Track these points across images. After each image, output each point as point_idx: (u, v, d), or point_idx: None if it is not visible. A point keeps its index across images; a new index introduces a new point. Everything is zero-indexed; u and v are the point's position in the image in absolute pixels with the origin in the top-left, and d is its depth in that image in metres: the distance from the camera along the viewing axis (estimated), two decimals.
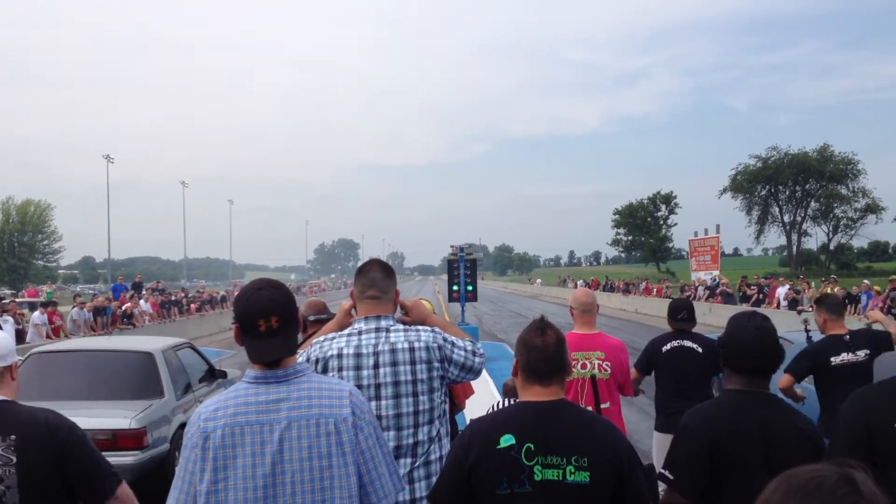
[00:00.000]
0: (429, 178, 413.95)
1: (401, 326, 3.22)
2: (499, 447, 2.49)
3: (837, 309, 5.76)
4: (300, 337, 5.80)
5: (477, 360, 3.25)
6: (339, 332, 3.23)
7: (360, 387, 3.00)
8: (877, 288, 23.22)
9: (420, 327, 3.25)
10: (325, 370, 3.09)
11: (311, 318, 5.66)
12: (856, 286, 24.76)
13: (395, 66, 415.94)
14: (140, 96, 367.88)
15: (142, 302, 26.59)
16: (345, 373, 3.08)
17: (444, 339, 3.20)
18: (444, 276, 21.33)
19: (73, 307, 22.00)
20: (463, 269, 20.93)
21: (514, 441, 2.50)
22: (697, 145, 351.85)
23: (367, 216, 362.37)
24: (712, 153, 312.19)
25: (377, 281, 3.25)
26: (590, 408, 4.55)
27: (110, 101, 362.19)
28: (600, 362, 4.94)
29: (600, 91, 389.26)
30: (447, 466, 2.66)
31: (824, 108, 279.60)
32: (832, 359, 5.43)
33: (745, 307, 29.19)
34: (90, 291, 47.07)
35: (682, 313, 6.01)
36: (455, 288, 21.07)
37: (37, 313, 20.75)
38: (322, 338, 3.23)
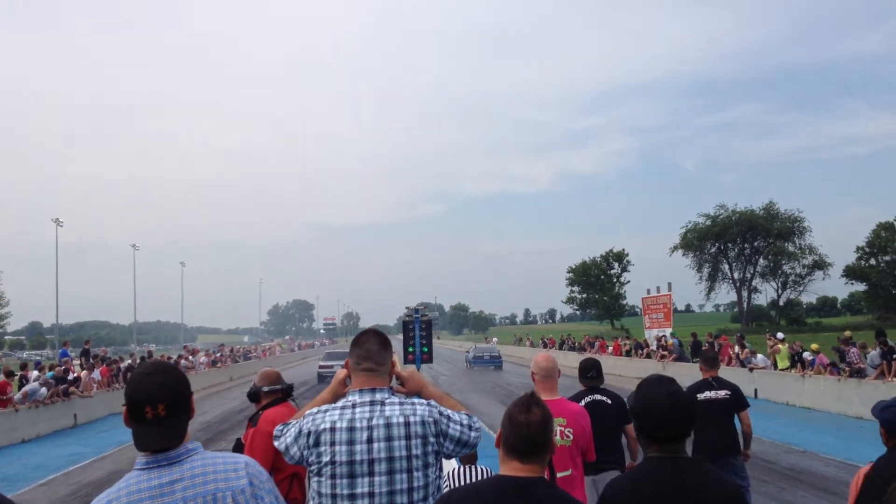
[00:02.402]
0: (383, 238, 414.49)
1: (396, 399, 3.13)
2: None
3: (710, 362, 7.95)
4: (253, 408, 5.76)
5: (473, 434, 3.17)
6: (333, 405, 3.13)
7: (352, 462, 2.94)
8: (814, 346, 23.78)
9: (416, 400, 3.17)
10: (316, 444, 2.99)
11: (265, 388, 5.59)
12: (793, 345, 25.29)
13: (348, 126, 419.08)
14: (89, 160, 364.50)
15: (96, 371, 26.39)
16: (337, 447, 2.96)
17: (440, 413, 3.12)
18: (400, 336, 21.29)
19: (34, 380, 21.85)
20: (418, 331, 20.89)
21: None
22: (648, 203, 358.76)
23: (321, 277, 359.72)
24: (662, 211, 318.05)
25: (373, 353, 3.18)
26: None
27: (59, 164, 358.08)
28: (562, 429, 4.94)
29: (551, 150, 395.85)
30: None
31: (768, 167, 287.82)
32: (697, 396, 7.46)
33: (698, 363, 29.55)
34: (36, 358, 45.89)
35: (591, 372, 6.69)
36: (410, 350, 21.00)
37: None
38: (315, 409, 3.12)
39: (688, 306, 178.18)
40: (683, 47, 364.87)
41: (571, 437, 4.95)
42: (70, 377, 24.03)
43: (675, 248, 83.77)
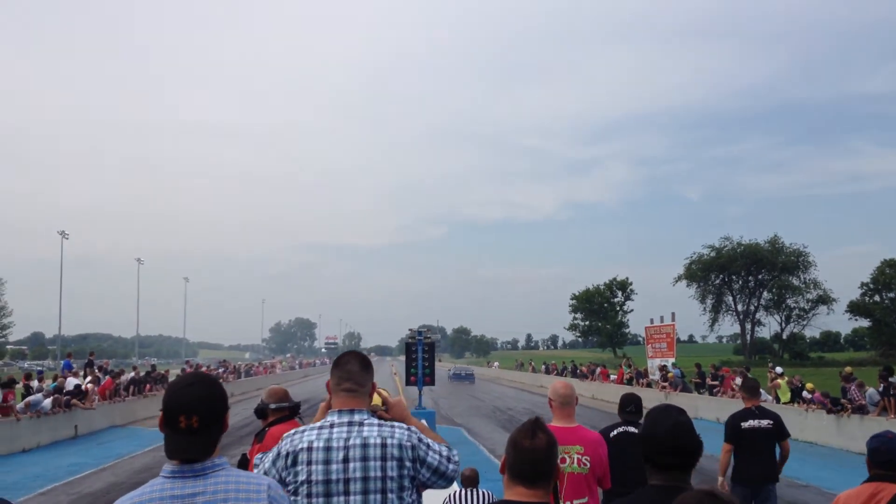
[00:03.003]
0: (386, 259, 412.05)
1: (375, 421, 3.15)
2: None
3: (752, 391, 8.27)
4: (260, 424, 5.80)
5: (451, 466, 3.18)
6: (311, 425, 3.16)
7: (328, 481, 2.97)
8: (809, 385, 23.68)
9: (395, 423, 3.19)
10: (294, 464, 3.03)
11: (272, 406, 5.63)
12: (792, 379, 25.27)
13: (353, 149, 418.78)
14: (96, 174, 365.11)
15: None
16: (313, 466, 3.00)
17: (420, 440, 3.14)
18: (402, 357, 21.27)
19: (36, 391, 21.94)
20: (421, 353, 20.89)
21: None
22: (652, 234, 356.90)
23: (324, 296, 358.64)
24: (667, 242, 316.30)
25: (354, 374, 3.20)
26: None
27: (66, 177, 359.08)
28: (580, 457, 4.92)
29: (555, 178, 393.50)
30: None
31: (773, 201, 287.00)
32: (742, 424, 7.84)
33: (705, 395, 29.61)
34: (38, 368, 45.96)
35: (630, 406, 6.60)
36: (413, 371, 21.00)
37: None
38: (293, 430, 3.17)
39: (691, 337, 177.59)
40: (691, 82, 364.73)
41: (588, 464, 4.92)
42: (79, 387, 24.12)
43: (680, 278, 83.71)
